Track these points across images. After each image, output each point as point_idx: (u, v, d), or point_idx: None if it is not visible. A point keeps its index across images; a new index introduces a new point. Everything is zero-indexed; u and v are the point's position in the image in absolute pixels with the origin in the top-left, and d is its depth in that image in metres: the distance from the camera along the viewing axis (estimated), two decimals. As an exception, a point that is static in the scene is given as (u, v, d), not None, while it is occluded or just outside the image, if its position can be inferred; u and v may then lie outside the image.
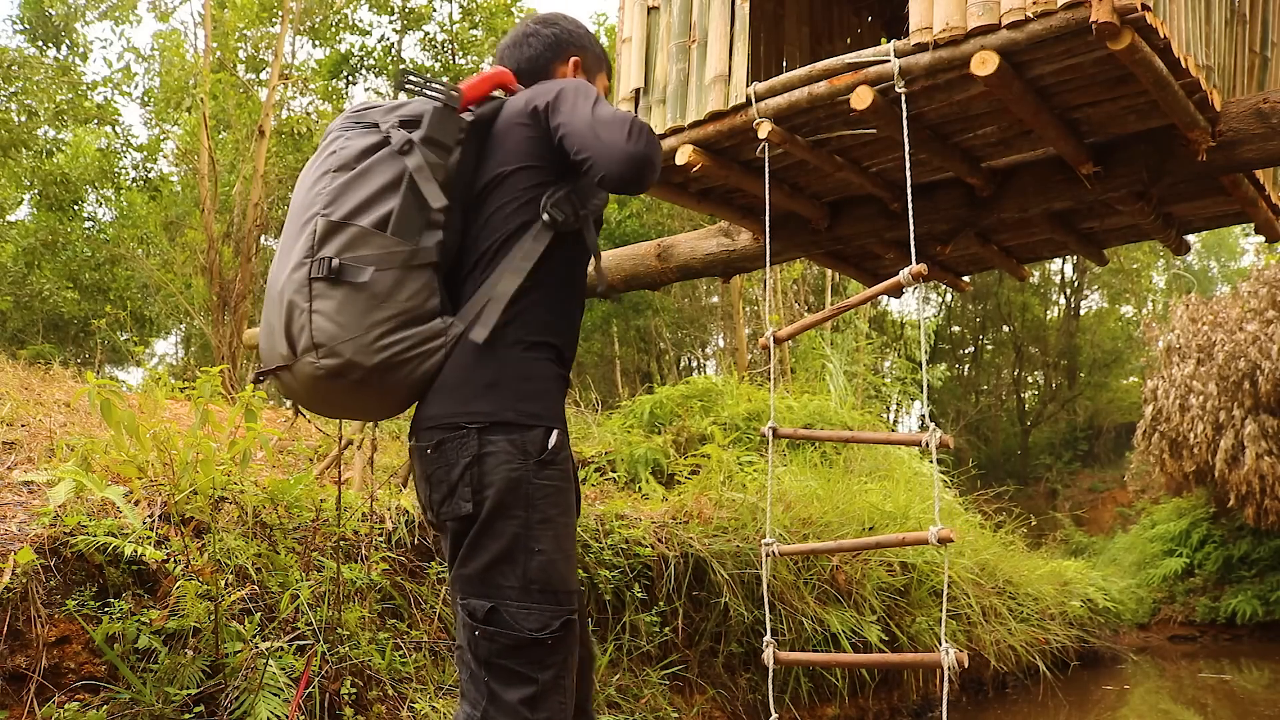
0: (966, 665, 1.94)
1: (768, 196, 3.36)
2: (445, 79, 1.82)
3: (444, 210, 1.66)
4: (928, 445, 2.38)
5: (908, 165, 2.84)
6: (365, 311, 1.58)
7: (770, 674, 2.29)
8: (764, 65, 4.49)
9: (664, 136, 3.66)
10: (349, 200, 1.62)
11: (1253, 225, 4.09)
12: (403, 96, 1.77)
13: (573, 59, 1.96)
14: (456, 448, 1.59)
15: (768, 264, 3.61)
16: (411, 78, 1.73)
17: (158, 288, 16.13)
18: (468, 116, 1.76)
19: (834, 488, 6.26)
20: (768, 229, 3.28)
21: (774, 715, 2.12)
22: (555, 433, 1.64)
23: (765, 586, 2.98)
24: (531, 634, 1.54)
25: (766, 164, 3.41)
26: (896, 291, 2.60)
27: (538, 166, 1.74)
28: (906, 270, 2.43)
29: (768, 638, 2.49)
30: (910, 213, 2.86)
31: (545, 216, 1.71)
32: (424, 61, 15.09)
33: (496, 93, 1.84)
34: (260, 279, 15.97)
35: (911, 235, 2.80)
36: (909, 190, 2.83)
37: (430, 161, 1.66)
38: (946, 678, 2.07)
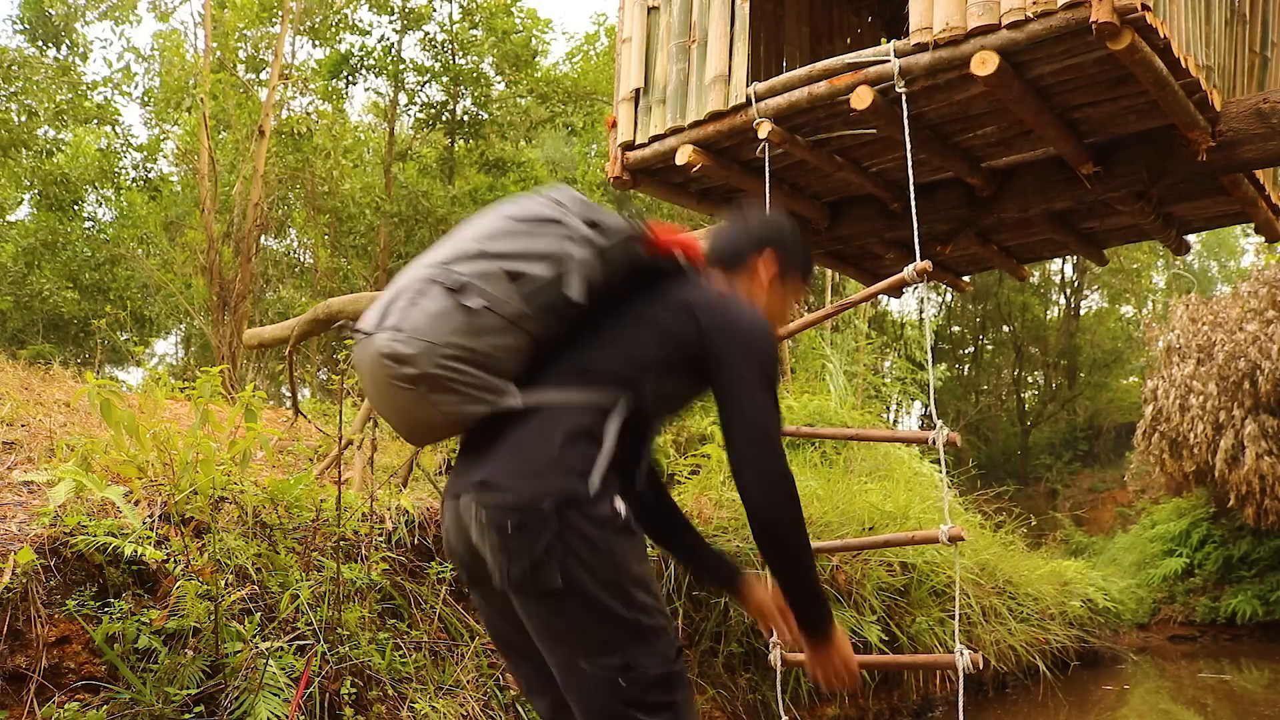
0: (981, 667, 1.93)
1: (769, 196, 3.36)
2: (633, 211, 1.88)
3: (573, 305, 1.75)
4: (934, 443, 2.38)
5: (909, 165, 2.84)
6: (453, 330, 1.68)
7: (778, 676, 2.28)
8: (764, 65, 4.49)
9: (664, 136, 3.66)
10: (504, 244, 1.73)
11: (1253, 225, 4.09)
12: (601, 212, 1.83)
13: (769, 250, 1.99)
14: (537, 525, 1.64)
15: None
16: (629, 206, 1.82)
17: (158, 288, 16.13)
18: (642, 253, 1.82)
19: (834, 488, 6.26)
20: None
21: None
22: (620, 500, 1.71)
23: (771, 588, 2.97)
24: (659, 671, 1.67)
25: (767, 164, 3.41)
26: (898, 290, 2.60)
27: (683, 346, 1.78)
28: (911, 267, 2.43)
29: (774, 639, 2.47)
30: (913, 212, 2.86)
31: (630, 393, 1.75)
32: (424, 61, 15.10)
33: (678, 252, 1.89)
34: (260, 279, 15.97)
35: (915, 234, 2.80)
36: (911, 190, 2.83)
37: (589, 263, 1.75)
38: (961, 678, 2.06)
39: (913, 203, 2.87)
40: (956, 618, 2.63)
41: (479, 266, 1.71)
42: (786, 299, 2.04)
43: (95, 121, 15.31)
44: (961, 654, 2.04)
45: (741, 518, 5.05)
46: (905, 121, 2.98)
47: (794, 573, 1.79)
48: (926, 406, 18.81)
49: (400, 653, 3.39)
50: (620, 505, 1.70)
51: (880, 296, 2.82)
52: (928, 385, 14.80)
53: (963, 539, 2.15)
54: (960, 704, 2.34)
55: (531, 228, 1.75)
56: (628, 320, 1.80)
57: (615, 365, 1.77)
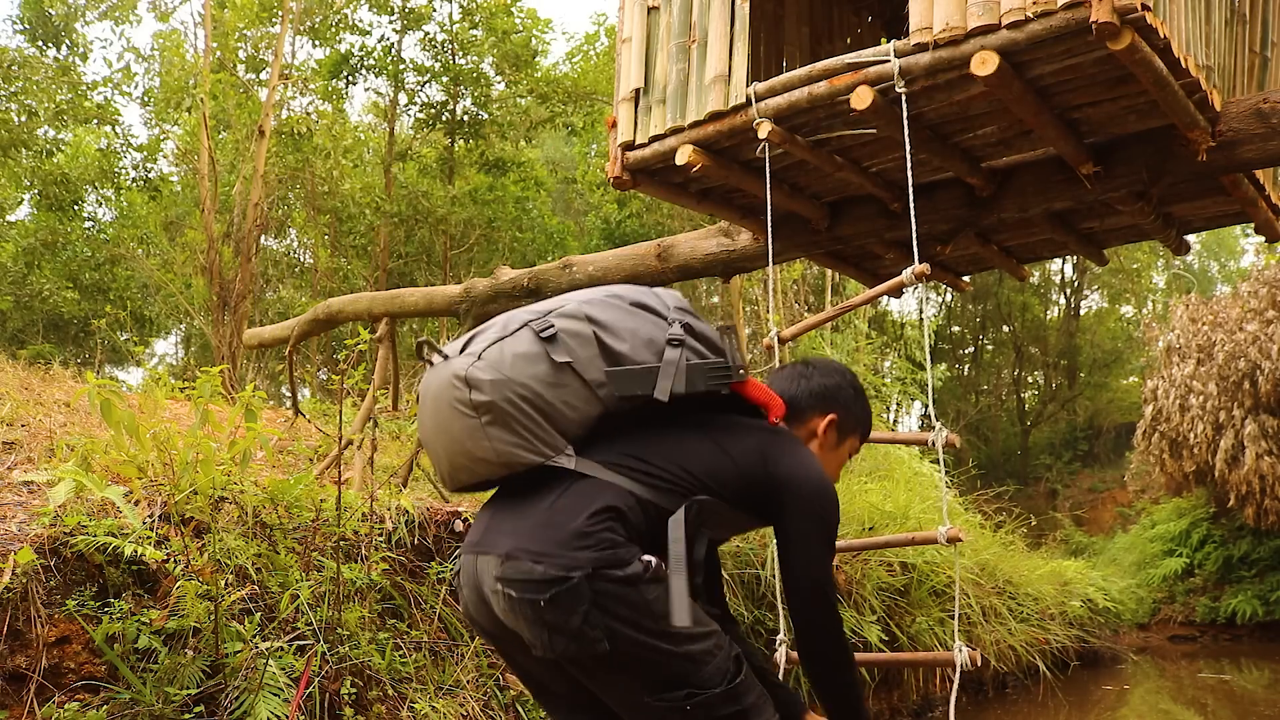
0: (979, 664, 1.95)
1: (769, 196, 3.36)
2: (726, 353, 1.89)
3: (653, 401, 1.76)
4: (933, 444, 2.38)
5: (909, 165, 2.84)
6: (531, 375, 1.71)
7: (781, 673, 2.28)
8: (764, 65, 4.48)
9: (664, 136, 3.66)
10: (606, 315, 1.78)
11: (1253, 225, 4.09)
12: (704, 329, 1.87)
13: (831, 416, 2.02)
14: (571, 598, 1.64)
15: (770, 263, 3.61)
16: (733, 336, 1.88)
17: (158, 288, 16.14)
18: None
19: (834, 488, 6.25)
20: (769, 228, 3.28)
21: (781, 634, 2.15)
22: (647, 556, 1.72)
23: (776, 593, 2.98)
24: (721, 689, 1.70)
25: (767, 164, 3.41)
26: (898, 291, 2.60)
27: (722, 473, 1.81)
28: (909, 270, 2.43)
29: (781, 635, 2.49)
30: (912, 212, 2.86)
31: (680, 500, 1.77)
32: (424, 61, 15.10)
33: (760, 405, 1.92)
34: (260, 279, 15.98)
35: (914, 235, 2.80)
36: (910, 190, 2.83)
37: (678, 369, 1.77)
38: (958, 676, 2.07)
39: (912, 206, 2.87)
40: (956, 617, 2.63)
41: (575, 325, 1.74)
42: (843, 460, 2.09)
43: (95, 121, 15.31)
44: (960, 651, 2.05)
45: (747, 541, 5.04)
46: (905, 122, 2.98)
47: (845, 708, 1.87)
48: (926, 406, 18.82)
49: (400, 653, 3.39)
50: (649, 559, 1.70)
51: (881, 297, 2.82)
52: (927, 385, 14.82)
53: (960, 540, 2.16)
54: (953, 701, 2.34)
55: (635, 310, 1.80)
56: (695, 433, 1.83)
57: (671, 470, 1.78)
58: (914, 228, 2.86)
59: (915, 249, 2.79)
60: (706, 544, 1.84)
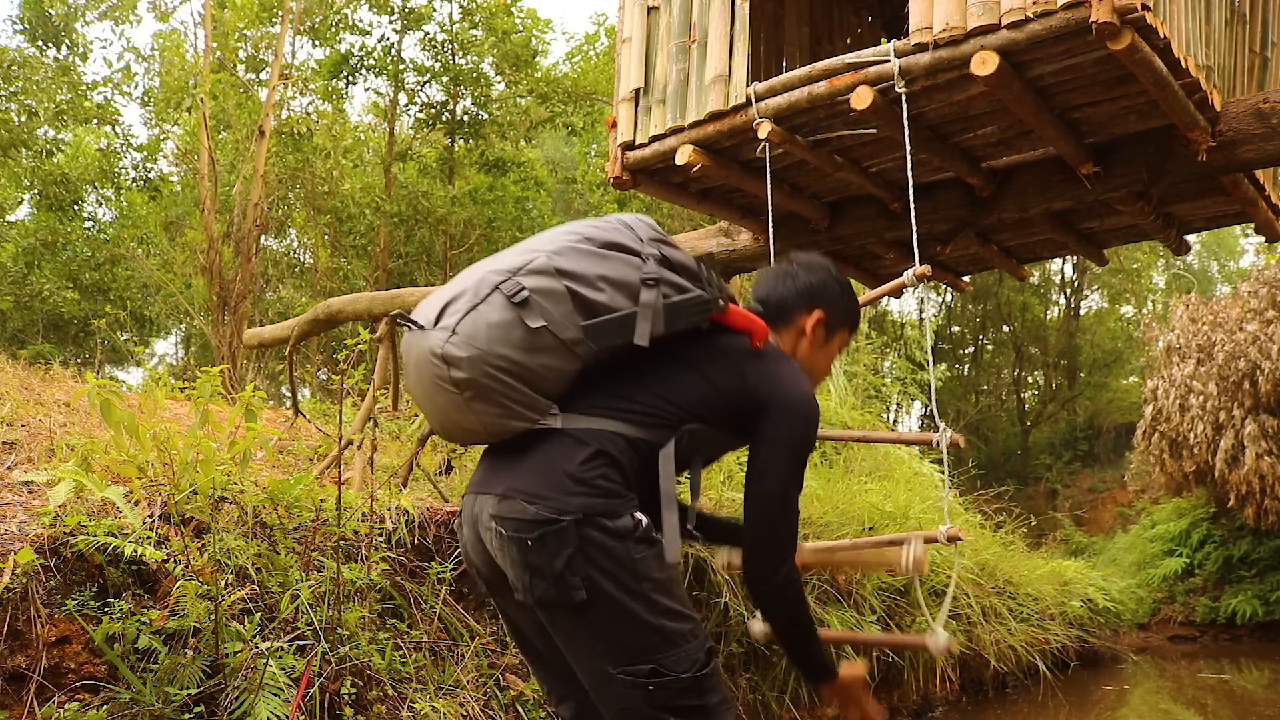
0: (955, 652, 1.97)
1: (769, 196, 3.36)
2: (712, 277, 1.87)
3: (632, 345, 1.74)
4: (938, 444, 2.37)
5: (909, 165, 2.84)
6: (505, 342, 1.67)
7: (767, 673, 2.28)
8: (764, 65, 4.49)
9: (664, 136, 3.66)
10: (577, 264, 1.72)
11: (1253, 225, 4.09)
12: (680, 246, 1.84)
13: (818, 313, 2.00)
14: (558, 540, 1.66)
15: (772, 264, 3.61)
16: (710, 269, 1.83)
17: (158, 288, 16.14)
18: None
19: (834, 488, 6.26)
20: (770, 228, 3.28)
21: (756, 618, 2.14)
22: (639, 513, 1.74)
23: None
24: (689, 674, 1.69)
25: (768, 164, 3.41)
26: (898, 291, 2.60)
27: (730, 406, 1.81)
28: (910, 271, 2.43)
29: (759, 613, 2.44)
30: (913, 213, 2.86)
31: (669, 434, 1.78)
32: (424, 61, 15.10)
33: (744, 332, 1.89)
34: (260, 279, 15.97)
35: (914, 235, 2.80)
36: (910, 191, 2.83)
37: (657, 310, 1.74)
38: (936, 664, 2.07)
39: (912, 207, 2.88)
40: (946, 605, 2.63)
41: (546, 283, 1.69)
42: (832, 355, 2.07)
43: (95, 121, 15.31)
44: (934, 633, 2.05)
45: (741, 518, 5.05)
46: (905, 122, 2.98)
47: (792, 633, 1.86)
48: (927, 406, 18.82)
49: (400, 653, 3.39)
50: (641, 517, 1.72)
51: (880, 298, 2.82)
52: (928, 386, 14.81)
53: (960, 539, 2.16)
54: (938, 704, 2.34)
55: (606, 253, 1.74)
56: (678, 364, 1.81)
57: (658, 405, 1.78)
58: (914, 228, 2.86)
59: (916, 249, 2.79)
60: (701, 468, 1.87)
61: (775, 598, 1.81)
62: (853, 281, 2.57)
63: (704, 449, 1.85)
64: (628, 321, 1.72)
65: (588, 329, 1.71)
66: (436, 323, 1.70)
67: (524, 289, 1.68)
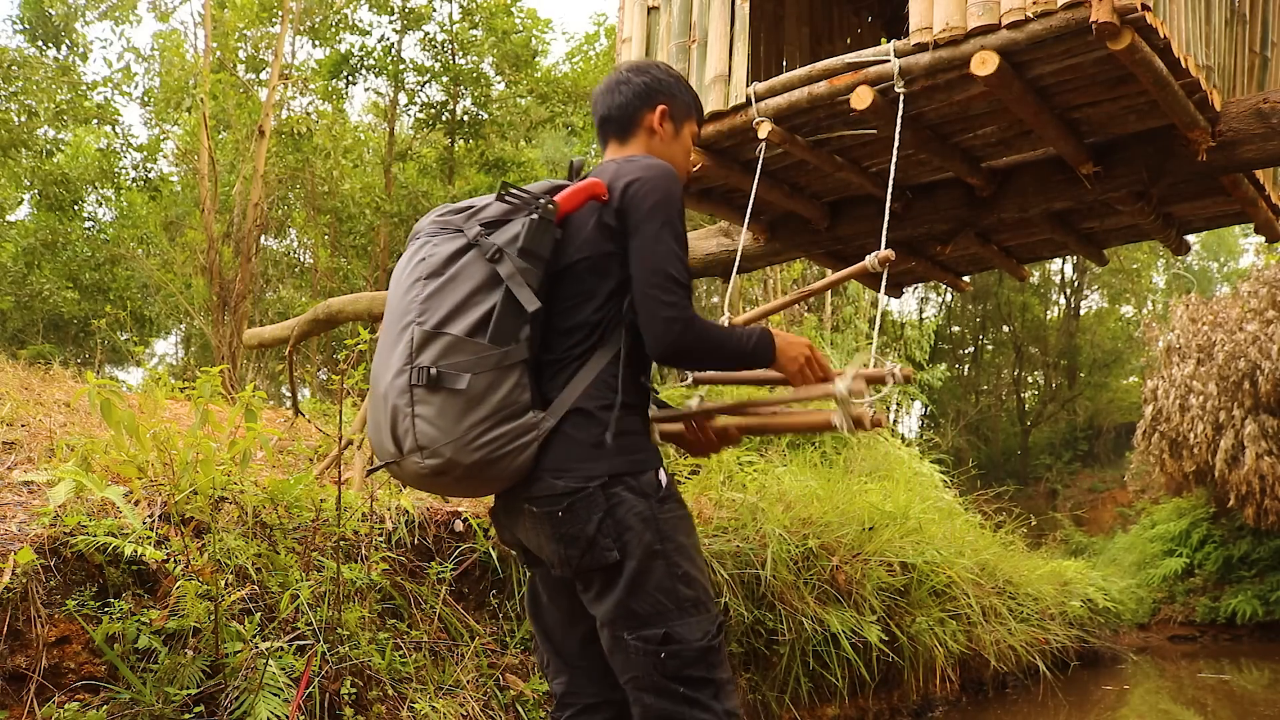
0: (867, 425, 1.90)
1: (754, 190, 3.35)
2: (540, 189, 1.87)
3: (537, 311, 1.76)
4: (873, 267, 2.34)
5: (894, 157, 2.84)
6: (462, 414, 1.70)
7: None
8: (764, 65, 4.49)
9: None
10: (440, 308, 1.73)
11: (1253, 225, 4.09)
12: (480, 200, 1.85)
13: (660, 107, 2.02)
14: (587, 506, 1.73)
15: (737, 271, 3.61)
16: (512, 191, 1.82)
17: (158, 288, 16.13)
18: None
19: (834, 488, 6.26)
20: (747, 220, 3.26)
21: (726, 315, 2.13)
22: (662, 471, 1.82)
23: (776, 594, 2.96)
24: (700, 643, 1.74)
25: (760, 160, 3.41)
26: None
27: (616, 256, 1.83)
28: (873, 255, 2.41)
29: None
30: (888, 209, 2.86)
31: (629, 321, 1.82)
32: (424, 61, 15.09)
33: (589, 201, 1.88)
34: (260, 279, 15.97)
35: (886, 216, 2.80)
36: (891, 185, 2.83)
37: (522, 268, 1.75)
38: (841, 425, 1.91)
39: (889, 196, 2.88)
40: (855, 367, 2.56)
41: (436, 348, 1.71)
42: (687, 148, 2.10)
43: (95, 121, 15.32)
44: (838, 414, 1.86)
45: (742, 518, 5.06)
46: (899, 120, 2.98)
47: (719, 364, 1.86)
48: (928, 407, 18.81)
49: (400, 653, 3.39)
50: (663, 476, 1.80)
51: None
52: (926, 384, 14.78)
53: (911, 380, 2.09)
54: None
55: (449, 273, 1.75)
56: (570, 279, 1.83)
57: (589, 324, 1.82)
58: (887, 209, 2.86)
59: (885, 232, 2.80)
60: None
61: (697, 348, 1.79)
62: (852, 281, 2.56)
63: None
64: (511, 304, 1.74)
65: (494, 340, 1.73)
66: (400, 451, 1.73)
67: (427, 369, 1.70)
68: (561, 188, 1.87)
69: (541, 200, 1.80)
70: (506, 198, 1.82)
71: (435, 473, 1.72)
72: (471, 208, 1.82)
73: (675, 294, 1.76)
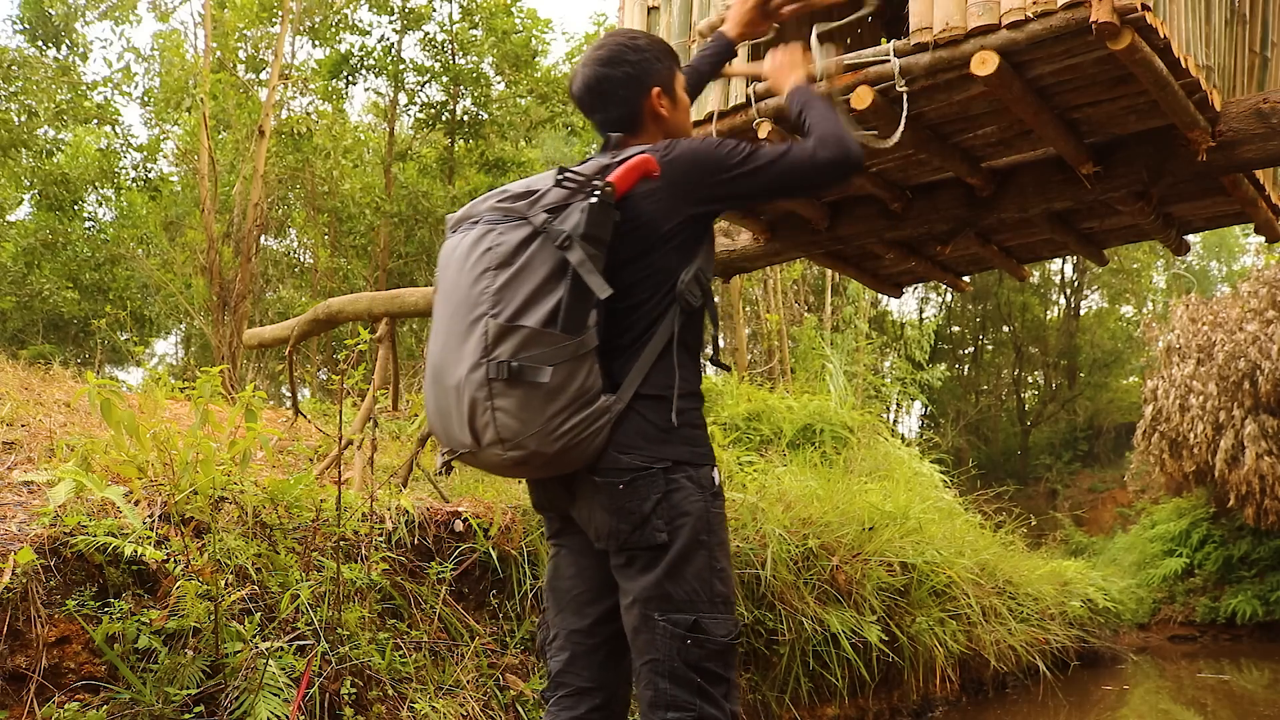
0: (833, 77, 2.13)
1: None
2: (592, 170, 1.87)
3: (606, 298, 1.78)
4: (821, 78, 2.45)
5: (893, 148, 2.83)
6: (543, 406, 1.72)
7: None
8: (764, 65, 4.48)
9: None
10: (514, 299, 1.73)
11: (1253, 225, 4.09)
12: (536, 183, 1.84)
13: (653, 90, 2.01)
14: (647, 485, 1.78)
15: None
16: (569, 174, 1.81)
17: (158, 288, 16.13)
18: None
19: (834, 488, 6.26)
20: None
21: None
22: (716, 470, 1.89)
23: (776, 593, 2.97)
24: (724, 640, 1.79)
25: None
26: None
27: (670, 235, 1.87)
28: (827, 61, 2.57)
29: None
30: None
31: (682, 303, 1.87)
32: (424, 61, 15.09)
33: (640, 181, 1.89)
34: (260, 279, 15.97)
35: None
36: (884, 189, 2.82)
37: (590, 254, 1.75)
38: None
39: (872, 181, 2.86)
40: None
41: (514, 341, 1.71)
42: (686, 105, 2.12)
43: (95, 121, 15.31)
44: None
45: (742, 518, 5.05)
46: (903, 113, 2.98)
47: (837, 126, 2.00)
48: (928, 407, 18.82)
49: (400, 653, 3.39)
50: (716, 475, 1.87)
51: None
52: (923, 382, 14.78)
53: (841, 82, 2.37)
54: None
55: (518, 263, 1.74)
56: (628, 261, 1.84)
57: (647, 305, 1.85)
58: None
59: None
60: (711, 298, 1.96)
61: (838, 151, 1.94)
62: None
63: (701, 275, 1.91)
64: (578, 291, 1.74)
65: (566, 330, 1.73)
66: (478, 445, 1.75)
67: (507, 363, 1.71)
68: (610, 166, 1.86)
69: (598, 183, 1.79)
70: (565, 182, 1.80)
71: (517, 463, 1.75)
72: (533, 193, 1.80)
73: (816, 159, 1.89)
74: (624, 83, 1.98)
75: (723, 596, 1.80)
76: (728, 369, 2.26)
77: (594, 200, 1.76)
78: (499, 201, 1.82)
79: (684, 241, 1.87)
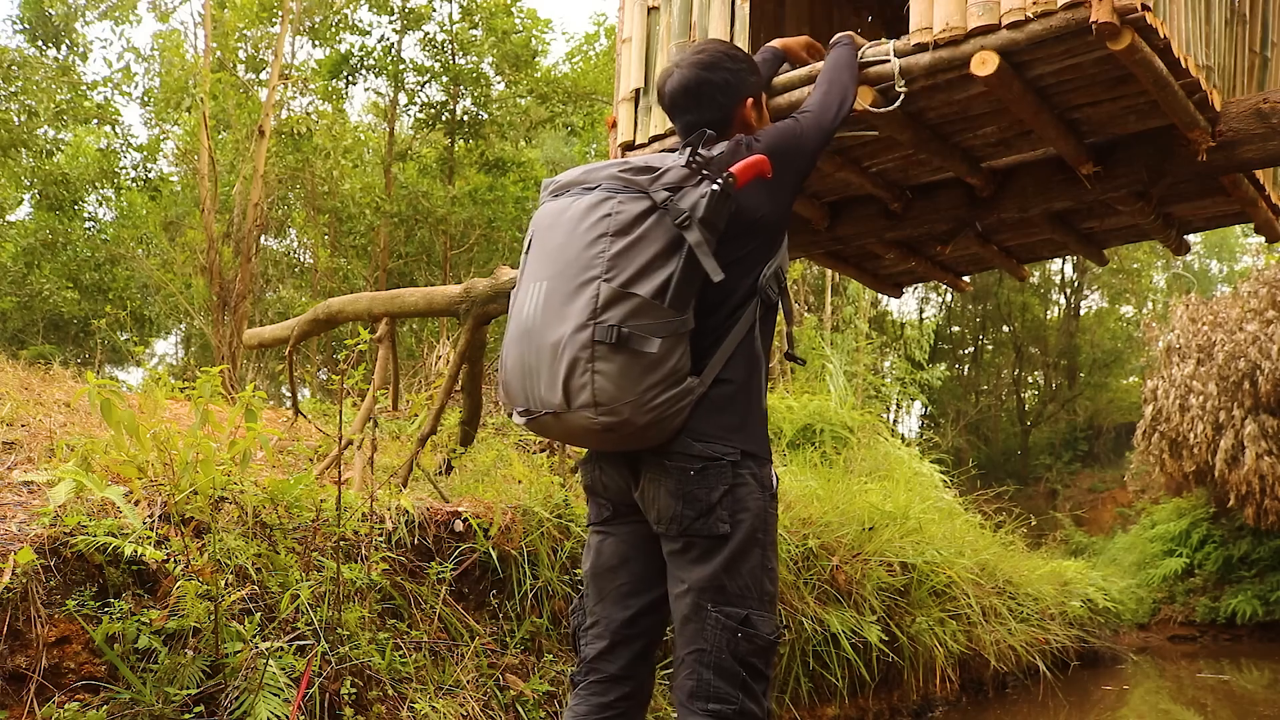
0: None
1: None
2: (713, 160, 1.91)
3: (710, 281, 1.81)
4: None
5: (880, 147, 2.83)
6: (642, 375, 1.75)
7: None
8: (764, 65, 4.48)
9: (664, 136, 3.66)
10: (629, 267, 1.75)
11: (1253, 225, 4.09)
12: (659, 161, 1.86)
13: (747, 102, 2.13)
14: (717, 475, 1.81)
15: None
16: (698, 157, 1.84)
17: (158, 288, 16.13)
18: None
19: (834, 488, 6.26)
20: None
21: None
22: (775, 472, 1.95)
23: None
24: (770, 638, 1.83)
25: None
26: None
27: (760, 236, 1.95)
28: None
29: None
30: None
31: (762, 296, 1.93)
32: (424, 61, 15.09)
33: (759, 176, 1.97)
34: (260, 279, 15.97)
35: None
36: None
37: (705, 238, 1.78)
38: None
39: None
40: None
41: (625, 308, 1.73)
42: (768, 121, 2.25)
43: (95, 121, 15.31)
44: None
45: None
46: (898, 102, 2.98)
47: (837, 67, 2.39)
48: (928, 407, 18.81)
49: (400, 653, 3.39)
50: (775, 475, 1.92)
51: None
52: (923, 384, 14.77)
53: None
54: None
55: (636, 233, 1.77)
56: (727, 251, 1.88)
57: (735, 294, 1.90)
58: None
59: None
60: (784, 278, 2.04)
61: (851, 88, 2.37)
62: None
63: (782, 276, 2.00)
64: (689, 271, 1.77)
65: (673, 306, 1.76)
66: (568, 406, 1.74)
67: (616, 327, 1.72)
68: (727, 155, 1.93)
69: (725, 173, 1.83)
70: (693, 164, 1.83)
71: (606, 429, 1.75)
72: (654, 169, 1.82)
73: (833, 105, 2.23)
74: (722, 89, 2.07)
75: (770, 596, 1.84)
76: (803, 363, 2.35)
77: (716, 188, 1.80)
78: (620, 171, 1.84)
79: (770, 236, 1.95)
